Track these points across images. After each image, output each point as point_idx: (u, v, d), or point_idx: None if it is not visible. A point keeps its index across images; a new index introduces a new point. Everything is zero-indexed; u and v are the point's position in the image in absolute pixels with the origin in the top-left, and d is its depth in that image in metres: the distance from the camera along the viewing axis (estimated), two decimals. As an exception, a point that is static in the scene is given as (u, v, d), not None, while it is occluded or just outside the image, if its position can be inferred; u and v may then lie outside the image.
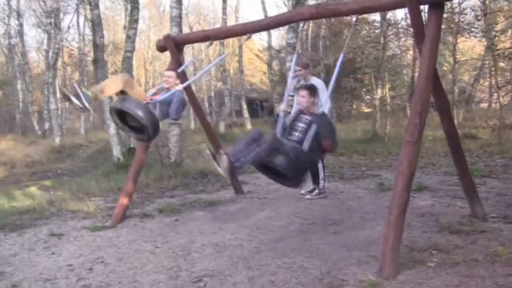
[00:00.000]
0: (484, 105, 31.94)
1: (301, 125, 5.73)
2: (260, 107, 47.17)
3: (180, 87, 6.79)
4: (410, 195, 4.81)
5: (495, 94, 22.79)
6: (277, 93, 30.98)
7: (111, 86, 6.27)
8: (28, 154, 21.62)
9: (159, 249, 5.68)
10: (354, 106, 31.01)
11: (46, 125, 31.50)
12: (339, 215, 6.96)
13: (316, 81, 8.01)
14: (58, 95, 25.62)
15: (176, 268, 4.94)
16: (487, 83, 29.69)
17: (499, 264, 4.44)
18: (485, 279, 4.11)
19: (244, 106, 33.44)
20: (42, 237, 6.51)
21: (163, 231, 6.53)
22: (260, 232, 6.21)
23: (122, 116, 6.40)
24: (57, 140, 25.48)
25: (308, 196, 8.25)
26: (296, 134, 5.70)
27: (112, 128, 14.22)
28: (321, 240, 5.68)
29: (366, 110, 30.60)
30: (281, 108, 6.06)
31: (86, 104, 5.96)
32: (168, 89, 6.78)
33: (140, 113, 6.05)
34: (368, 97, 26.32)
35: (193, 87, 9.39)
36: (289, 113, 6.14)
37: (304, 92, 5.82)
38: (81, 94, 5.95)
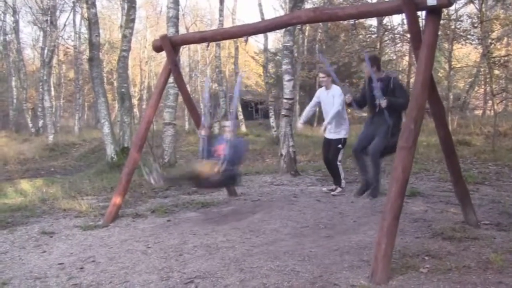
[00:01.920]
0: (478, 112, 32.06)
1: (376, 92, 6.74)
2: (255, 109, 47.24)
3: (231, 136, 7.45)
4: (404, 201, 4.80)
5: (490, 101, 22.86)
6: (272, 96, 31.02)
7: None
8: (21, 152, 21.58)
9: (151, 250, 5.66)
10: (349, 111, 31.04)
11: (40, 123, 31.45)
12: (332, 219, 6.95)
13: (336, 89, 8.53)
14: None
15: (167, 269, 4.92)
16: (482, 90, 29.80)
17: (491, 271, 4.43)
18: (477, 286, 4.10)
19: (239, 108, 33.45)
20: (34, 235, 6.48)
21: (155, 231, 6.51)
22: (253, 235, 6.20)
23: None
24: (51, 138, 25.44)
25: (333, 193, 8.82)
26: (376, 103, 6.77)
27: (106, 127, 14.21)
28: (314, 244, 5.67)
29: (365, 115, 30.64)
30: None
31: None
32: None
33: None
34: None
35: (188, 88, 9.40)
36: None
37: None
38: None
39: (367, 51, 7.08)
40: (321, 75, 8.88)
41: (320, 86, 9.28)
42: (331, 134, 8.72)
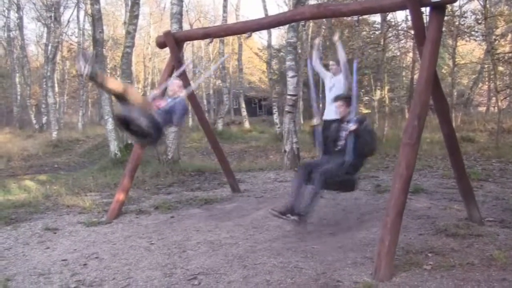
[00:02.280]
0: (482, 108, 31.96)
1: (344, 133, 6.07)
2: (259, 105, 47.23)
3: (184, 94, 6.76)
4: (407, 197, 4.79)
5: (494, 98, 22.77)
6: (276, 92, 30.98)
7: (114, 82, 6.25)
8: (25, 148, 21.58)
9: (154, 246, 5.67)
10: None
11: (44, 119, 31.47)
12: (335, 216, 6.95)
13: (340, 78, 8.04)
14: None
15: (171, 265, 4.93)
16: (485, 87, 29.69)
17: (495, 268, 4.43)
18: (480, 283, 4.10)
19: (243, 105, 33.42)
20: (37, 231, 6.49)
21: (158, 227, 6.52)
22: (256, 231, 6.20)
23: (125, 121, 6.39)
24: (54, 134, 25.43)
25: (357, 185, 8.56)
26: (340, 143, 6.11)
27: (109, 124, 14.21)
28: (317, 241, 5.67)
29: (365, 111, 30.61)
30: (314, 122, 6.50)
31: (86, 70, 5.92)
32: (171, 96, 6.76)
33: (144, 122, 6.03)
34: (366, 98, 26.29)
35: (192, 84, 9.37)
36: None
37: (339, 103, 6.26)
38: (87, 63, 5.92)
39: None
40: (331, 62, 8.73)
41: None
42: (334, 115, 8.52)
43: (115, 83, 6.20)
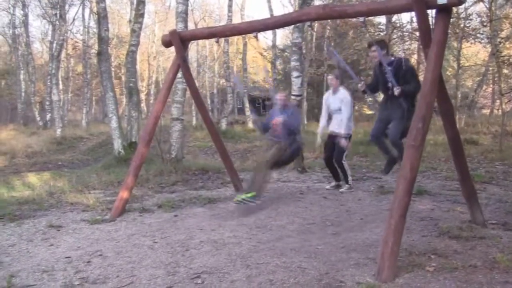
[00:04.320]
0: (486, 111, 31.97)
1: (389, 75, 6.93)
2: (262, 105, 47.23)
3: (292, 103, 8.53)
4: (411, 199, 4.80)
5: (498, 101, 22.76)
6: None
7: None
8: (29, 145, 21.62)
9: (158, 244, 5.68)
10: (357, 108, 31.01)
11: (48, 116, 31.55)
12: (338, 217, 6.96)
13: (343, 92, 8.64)
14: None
15: (174, 264, 4.94)
16: (490, 89, 29.72)
17: (498, 271, 4.43)
18: (483, 285, 4.10)
19: (247, 104, 33.44)
20: (41, 228, 6.50)
21: (162, 226, 6.53)
22: (259, 231, 6.21)
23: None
24: (58, 131, 25.51)
25: (341, 190, 8.92)
26: (389, 85, 6.96)
27: (114, 122, 14.23)
28: (320, 241, 5.68)
29: (369, 112, 30.63)
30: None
31: None
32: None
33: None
34: (370, 99, 26.29)
35: (197, 83, 9.40)
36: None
37: (374, 48, 7.18)
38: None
39: (376, 42, 7.30)
40: (329, 77, 8.95)
41: (328, 88, 9.35)
42: (335, 132, 8.77)
43: None
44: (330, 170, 9.21)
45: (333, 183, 9.21)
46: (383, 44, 7.26)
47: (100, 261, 5.12)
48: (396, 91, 6.73)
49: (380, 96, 7.74)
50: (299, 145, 8.10)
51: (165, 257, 5.17)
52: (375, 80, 7.45)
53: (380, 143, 7.41)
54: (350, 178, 8.99)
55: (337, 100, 8.67)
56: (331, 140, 8.88)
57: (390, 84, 6.89)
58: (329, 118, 9.00)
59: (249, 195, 7.21)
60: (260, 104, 48.48)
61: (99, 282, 4.50)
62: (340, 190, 8.90)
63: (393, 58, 7.16)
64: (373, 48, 7.10)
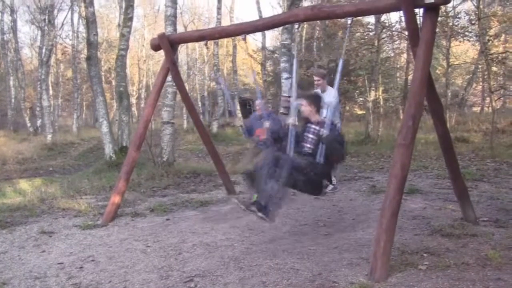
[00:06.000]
0: (476, 109, 32.07)
1: (310, 136, 5.83)
2: (253, 107, 47.22)
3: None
4: (402, 198, 4.81)
5: (488, 98, 22.88)
6: (271, 94, 31.01)
7: None
8: (20, 151, 21.52)
9: (150, 249, 5.67)
10: (347, 108, 31.00)
11: (38, 122, 31.43)
12: (330, 217, 6.97)
13: (331, 91, 8.48)
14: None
15: (167, 268, 4.93)
16: (480, 87, 29.84)
17: (490, 268, 4.44)
18: (475, 282, 4.11)
19: (237, 106, 33.40)
20: (33, 234, 6.48)
21: (154, 230, 6.52)
22: (252, 233, 6.21)
23: None
24: (49, 137, 25.40)
25: (326, 190, 8.57)
26: (308, 145, 5.78)
27: (104, 126, 14.20)
28: (313, 242, 5.68)
29: (359, 112, 30.69)
30: (290, 121, 5.94)
31: None
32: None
33: None
34: (361, 99, 26.36)
35: (187, 86, 9.40)
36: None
37: (303, 102, 6.04)
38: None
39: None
40: (315, 78, 8.82)
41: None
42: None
43: None
44: None
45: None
46: (312, 99, 6.21)
47: (93, 266, 5.11)
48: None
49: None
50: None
51: (158, 261, 5.16)
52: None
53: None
54: (334, 178, 8.77)
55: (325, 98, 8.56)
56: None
57: (308, 145, 5.89)
58: None
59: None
60: (251, 106, 48.51)
61: (92, 288, 4.49)
62: (325, 190, 8.83)
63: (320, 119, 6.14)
64: (302, 102, 6.12)
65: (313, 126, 5.89)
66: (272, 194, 5.14)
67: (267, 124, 7.90)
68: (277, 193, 5.17)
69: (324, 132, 5.48)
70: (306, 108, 6.00)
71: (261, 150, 7.77)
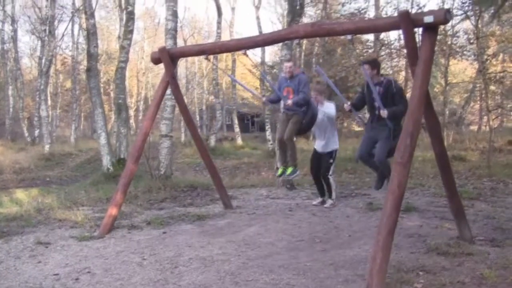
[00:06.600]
0: (474, 127, 32.16)
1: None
2: (251, 122, 47.31)
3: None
4: (399, 216, 4.82)
5: (485, 117, 22.93)
6: (269, 109, 31.05)
7: None
8: (17, 161, 21.51)
9: (147, 261, 5.66)
10: (345, 125, 31.05)
11: (36, 132, 31.43)
12: (327, 233, 6.96)
13: (329, 105, 8.66)
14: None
15: (163, 281, 4.92)
16: (477, 106, 29.90)
17: (485, 287, 4.45)
18: (471, 301, 4.12)
19: (236, 121, 33.49)
20: (29, 245, 6.46)
21: (150, 243, 6.51)
22: (248, 248, 6.21)
23: None
24: (47, 147, 25.39)
25: (325, 205, 8.93)
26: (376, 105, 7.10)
27: (102, 138, 14.22)
28: (309, 258, 5.68)
29: (357, 128, 30.71)
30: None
31: None
32: None
33: None
34: (359, 116, 26.42)
35: (185, 100, 9.43)
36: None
37: (366, 66, 7.15)
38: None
39: (364, 61, 7.55)
40: (312, 93, 8.82)
41: None
42: (321, 148, 8.83)
43: None
44: (316, 185, 9.25)
45: (319, 199, 9.21)
46: (374, 64, 7.30)
47: (89, 278, 5.10)
48: (383, 113, 6.81)
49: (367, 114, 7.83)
50: (314, 111, 8.27)
51: (154, 274, 5.16)
52: (361, 98, 7.53)
53: (366, 162, 7.65)
54: (334, 194, 9.00)
55: (322, 113, 8.67)
56: (316, 155, 8.96)
57: (376, 105, 6.96)
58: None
59: (289, 171, 8.00)
60: (249, 121, 48.57)
61: (87, 300, 4.49)
62: (324, 205, 8.93)
63: (382, 79, 7.20)
64: (366, 66, 7.13)
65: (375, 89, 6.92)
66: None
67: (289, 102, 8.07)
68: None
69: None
70: (369, 72, 7.05)
71: (290, 116, 8.07)
